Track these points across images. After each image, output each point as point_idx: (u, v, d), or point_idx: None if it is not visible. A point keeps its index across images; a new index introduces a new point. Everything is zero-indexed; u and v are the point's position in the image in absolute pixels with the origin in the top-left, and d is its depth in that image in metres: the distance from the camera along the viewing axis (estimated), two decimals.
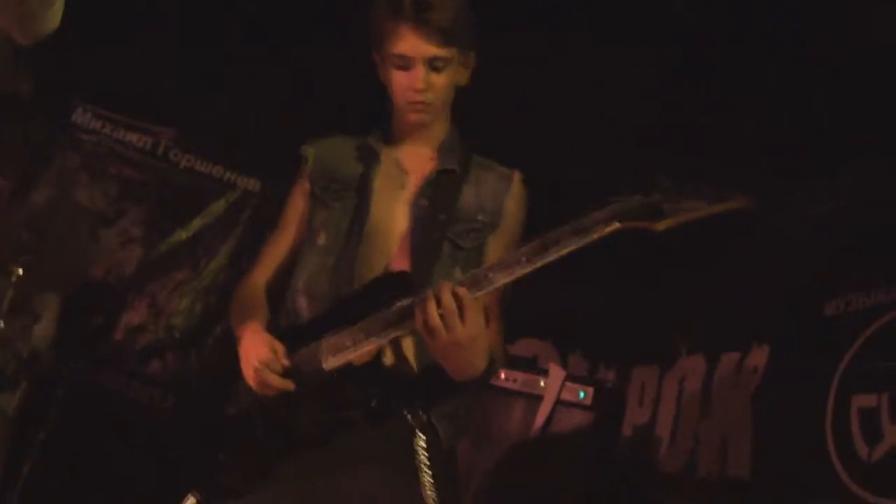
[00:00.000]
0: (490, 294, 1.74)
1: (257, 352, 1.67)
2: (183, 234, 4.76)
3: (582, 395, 3.85)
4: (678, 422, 4.30)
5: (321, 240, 1.84)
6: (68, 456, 3.71)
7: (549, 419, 3.81)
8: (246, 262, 4.84)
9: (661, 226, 1.46)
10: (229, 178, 4.94)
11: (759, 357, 3.88)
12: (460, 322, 1.46)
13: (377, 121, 1.99)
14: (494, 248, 1.83)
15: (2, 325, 3.32)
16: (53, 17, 1.89)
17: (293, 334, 1.74)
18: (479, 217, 1.83)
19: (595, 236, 1.49)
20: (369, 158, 1.89)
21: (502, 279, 1.51)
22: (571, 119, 3.66)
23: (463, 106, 1.95)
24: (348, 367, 1.62)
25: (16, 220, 4.35)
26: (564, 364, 4.74)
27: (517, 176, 1.92)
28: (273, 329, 1.80)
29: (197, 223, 4.80)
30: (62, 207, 4.55)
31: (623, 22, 3.22)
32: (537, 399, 3.88)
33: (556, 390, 3.86)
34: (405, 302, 1.54)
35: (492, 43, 1.89)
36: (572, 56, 3.38)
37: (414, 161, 1.88)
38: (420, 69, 1.74)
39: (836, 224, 3.64)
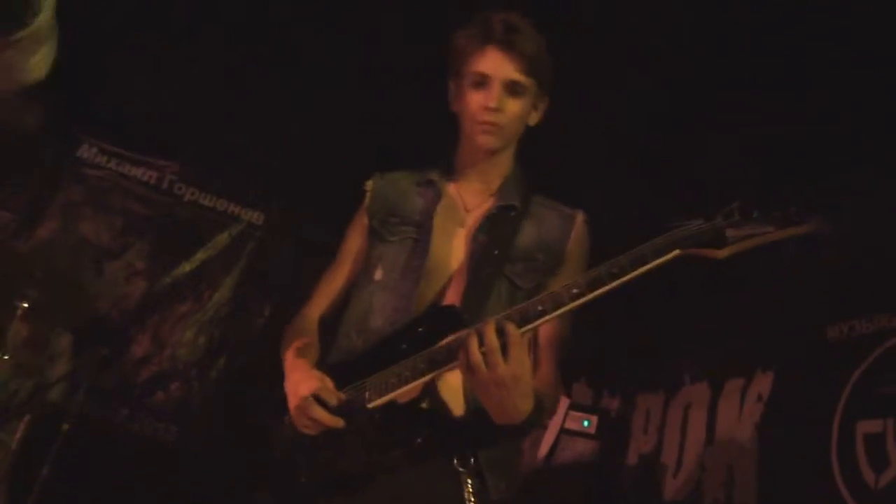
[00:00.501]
0: (547, 336, 1.73)
1: (308, 385, 1.61)
2: (187, 267, 4.79)
3: (586, 423, 3.84)
4: (683, 449, 4.27)
5: (378, 275, 1.79)
6: (72, 490, 3.69)
7: (553, 448, 3.79)
8: (249, 294, 4.87)
9: (723, 253, 1.39)
10: (233, 211, 4.97)
11: (763, 383, 3.87)
12: (503, 360, 1.39)
13: (397, 155, 1.98)
14: (561, 282, 1.73)
15: (6, 357, 3.32)
16: (37, 66, 1.86)
17: (341, 370, 1.69)
18: (539, 256, 1.77)
19: (653, 265, 1.41)
20: (430, 193, 1.85)
21: (554, 312, 1.44)
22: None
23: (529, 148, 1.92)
24: (393, 406, 1.56)
25: (21, 254, 4.38)
26: (569, 392, 4.72)
27: (580, 216, 1.85)
28: (322, 365, 1.74)
29: (200, 256, 4.83)
30: (67, 242, 4.58)
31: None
32: (541, 428, 3.86)
33: (561, 419, 3.84)
34: (451, 339, 1.49)
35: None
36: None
37: (475, 198, 1.84)
38: (498, 89, 1.72)
39: (838, 250, 3.65)
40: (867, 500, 3.08)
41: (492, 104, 1.72)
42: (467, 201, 1.84)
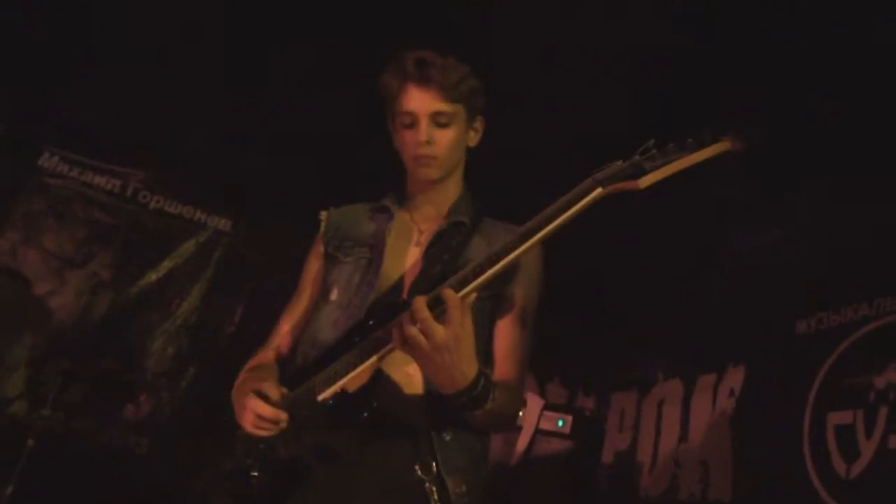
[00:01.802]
0: (504, 346, 1.75)
1: (248, 386, 1.64)
2: (153, 276, 4.71)
3: (561, 423, 3.84)
4: (658, 446, 4.30)
5: (334, 295, 1.83)
6: None
7: (528, 449, 3.78)
8: (218, 302, 4.81)
9: (643, 182, 1.40)
10: (200, 217, 4.91)
11: (735, 378, 3.90)
12: (438, 325, 1.41)
13: (373, 178, 1.99)
14: (516, 298, 1.79)
15: None
16: None
17: (295, 377, 1.71)
18: None
19: (578, 207, 1.43)
20: (383, 217, 1.91)
21: (491, 268, 1.46)
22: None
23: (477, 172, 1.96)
24: (343, 395, 1.56)
25: None
26: (543, 392, 4.73)
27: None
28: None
29: (167, 264, 4.76)
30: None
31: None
32: (515, 430, 3.86)
33: (535, 420, 3.84)
34: (395, 321, 1.50)
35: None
36: None
37: (427, 221, 1.89)
38: (424, 123, 1.78)
39: (804, 243, 3.70)
40: (839, 490, 3.12)
41: (421, 137, 1.78)
42: (420, 224, 1.89)
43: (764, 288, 3.87)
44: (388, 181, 2.02)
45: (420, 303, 1.43)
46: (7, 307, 3.45)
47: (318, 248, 1.97)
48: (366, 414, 1.53)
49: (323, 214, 2.01)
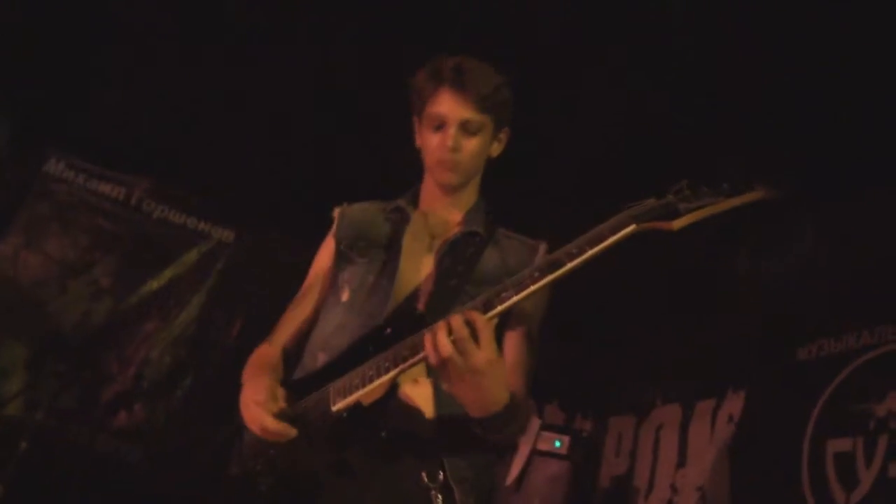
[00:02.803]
0: (510, 361, 1.71)
1: (254, 395, 1.61)
2: (154, 285, 4.71)
3: (558, 444, 3.81)
4: (655, 471, 4.25)
5: (345, 296, 1.80)
6: None
7: (524, 469, 3.74)
8: (218, 313, 4.80)
9: (676, 224, 1.39)
10: (203, 228, 4.92)
11: (734, 404, 3.88)
12: (475, 346, 1.38)
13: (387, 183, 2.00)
14: (524, 313, 1.76)
15: None
16: None
17: (304, 383, 1.67)
18: (504, 280, 1.74)
19: (610, 242, 1.42)
20: (399, 219, 1.88)
21: (517, 295, 1.44)
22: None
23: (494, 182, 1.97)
24: (358, 407, 1.53)
25: None
26: (541, 414, 4.69)
27: (543, 247, 1.86)
28: (285, 383, 1.71)
29: (168, 273, 4.76)
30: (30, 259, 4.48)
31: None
32: (512, 449, 3.82)
33: (532, 440, 3.81)
34: (416, 336, 1.47)
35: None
36: None
37: (441, 227, 1.87)
38: (453, 130, 1.77)
39: (806, 271, 3.69)
40: None
41: (449, 143, 1.77)
42: (434, 229, 1.87)
43: (765, 314, 3.86)
44: (395, 195, 2.00)
45: (458, 321, 1.39)
46: (3, 310, 3.45)
47: (330, 245, 1.93)
48: (384, 434, 1.52)
49: (336, 210, 1.98)
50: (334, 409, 1.54)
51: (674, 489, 4.05)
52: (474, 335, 1.39)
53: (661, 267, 4.26)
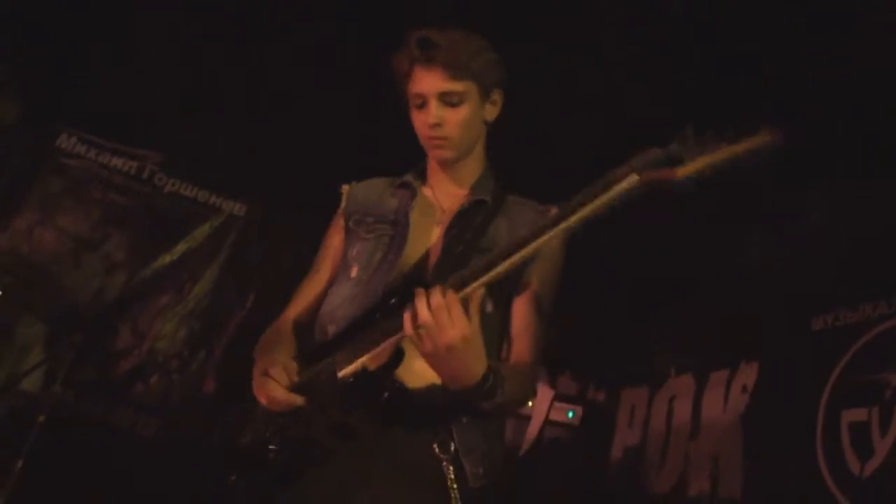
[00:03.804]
0: (519, 324, 1.72)
1: (264, 367, 1.63)
2: (167, 259, 4.72)
3: (571, 414, 3.81)
4: (668, 442, 4.26)
5: (354, 272, 1.80)
6: (48, 483, 3.63)
7: (537, 439, 3.75)
8: (231, 286, 4.82)
9: (681, 173, 1.32)
10: (215, 202, 4.91)
11: (748, 375, 3.86)
12: (450, 320, 1.38)
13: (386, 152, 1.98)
14: (534, 280, 1.76)
15: None
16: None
17: (314, 353, 1.70)
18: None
19: (613, 193, 1.34)
20: (406, 194, 1.88)
21: (507, 261, 1.41)
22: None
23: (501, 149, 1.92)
24: (364, 373, 1.54)
25: None
26: (554, 385, 4.69)
27: (554, 211, 1.79)
28: (295, 358, 1.74)
29: (181, 247, 4.77)
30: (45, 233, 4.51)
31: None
32: (525, 419, 3.83)
33: (545, 410, 3.81)
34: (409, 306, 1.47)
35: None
36: None
37: (449, 199, 1.86)
38: (433, 105, 1.75)
39: (821, 240, 3.65)
40: (852, 489, 3.07)
41: (430, 120, 1.75)
42: (442, 202, 1.86)
43: (780, 283, 3.83)
44: (405, 168, 1.99)
45: (437, 295, 1.39)
46: (20, 286, 3.48)
47: (339, 222, 1.94)
48: (387, 394, 1.52)
49: (344, 188, 1.99)
50: (340, 375, 1.55)
51: (686, 459, 4.05)
52: (449, 311, 1.39)
53: (675, 236, 4.23)
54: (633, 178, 1.34)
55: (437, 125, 1.75)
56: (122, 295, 4.59)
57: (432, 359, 1.44)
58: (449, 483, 1.55)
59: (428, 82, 1.74)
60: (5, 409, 3.36)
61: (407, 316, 1.42)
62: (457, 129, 1.78)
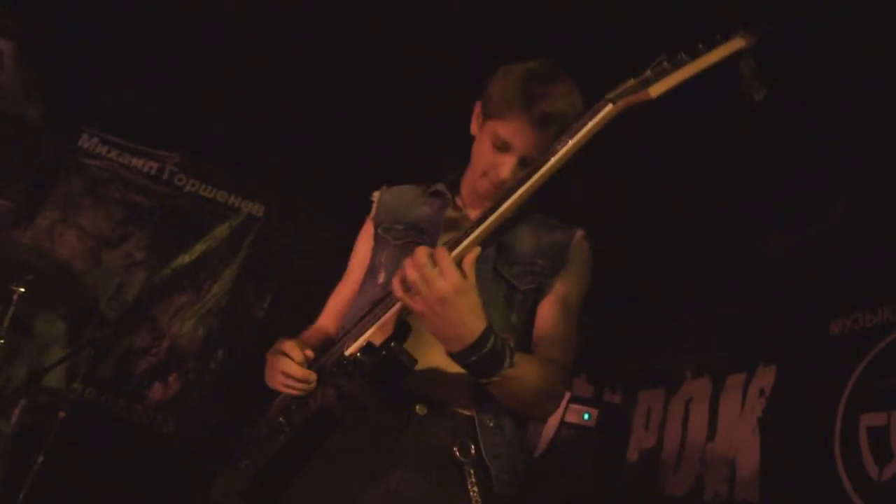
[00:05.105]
0: (556, 294, 1.72)
1: (280, 347, 1.64)
2: (186, 258, 4.78)
3: (587, 416, 3.79)
4: (684, 445, 4.24)
5: (381, 278, 1.79)
6: (67, 479, 3.67)
7: (553, 441, 3.75)
8: (249, 286, 4.86)
9: (654, 91, 1.32)
10: (233, 202, 4.96)
11: (765, 378, 3.83)
12: (438, 274, 1.36)
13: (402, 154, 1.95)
14: (560, 287, 1.74)
15: (2, 341, 3.30)
16: None
17: (328, 348, 1.70)
18: (539, 261, 1.75)
19: (591, 126, 1.37)
20: (437, 203, 1.86)
21: (493, 215, 1.43)
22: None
23: None
24: (370, 347, 1.53)
25: (19, 242, 4.37)
26: (570, 387, 4.69)
27: (580, 232, 1.83)
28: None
29: (200, 247, 4.82)
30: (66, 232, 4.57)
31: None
32: (540, 421, 3.83)
33: (560, 412, 3.80)
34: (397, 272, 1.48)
35: None
36: None
37: (478, 211, 1.80)
38: (514, 161, 1.69)
39: (840, 242, 3.62)
40: (870, 493, 3.04)
41: (504, 175, 1.70)
42: (471, 214, 1.84)
43: (798, 286, 3.80)
44: (421, 170, 2.00)
45: (422, 253, 1.39)
46: (42, 285, 3.52)
47: (368, 229, 1.93)
48: (384, 352, 1.48)
49: (375, 195, 1.97)
50: (347, 353, 1.56)
51: (703, 463, 4.03)
52: (440, 269, 1.38)
53: (693, 238, 4.22)
54: (608, 109, 1.36)
55: (508, 180, 1.69)
56: (142, 294, 4.64)
57: (428, 319, 1.41)
58: (469, 486, 1.54)
59: (525, 142, 1.68)
60: (27, 405, 3.40)
61: (395, 279, 1.42)
62: (514, 178, 1.68)
